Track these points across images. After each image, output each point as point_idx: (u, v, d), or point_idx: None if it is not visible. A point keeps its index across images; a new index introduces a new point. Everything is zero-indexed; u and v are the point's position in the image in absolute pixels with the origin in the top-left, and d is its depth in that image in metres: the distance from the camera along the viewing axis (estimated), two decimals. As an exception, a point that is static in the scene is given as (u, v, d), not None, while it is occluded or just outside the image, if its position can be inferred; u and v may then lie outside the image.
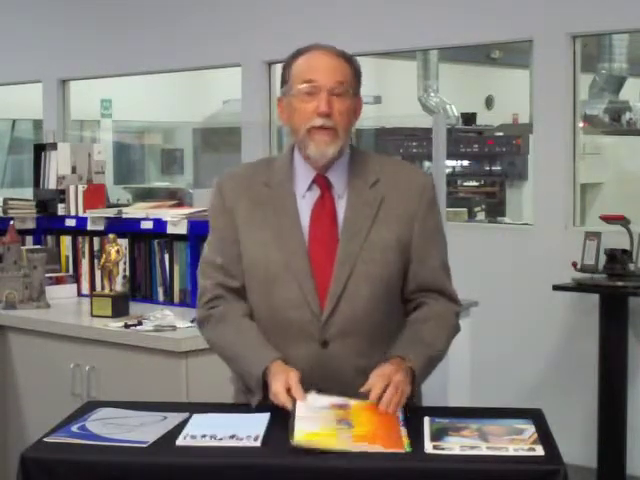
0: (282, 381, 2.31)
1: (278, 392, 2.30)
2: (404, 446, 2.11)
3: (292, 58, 2.49)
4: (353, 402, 2.28)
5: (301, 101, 2.42)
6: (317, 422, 2.17)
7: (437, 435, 2.14)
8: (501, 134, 8.16)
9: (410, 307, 2.51)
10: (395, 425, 2.20)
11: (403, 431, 2.17)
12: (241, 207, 2.49)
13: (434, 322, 2.46)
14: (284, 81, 2.49)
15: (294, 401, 2.26)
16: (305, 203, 2.46)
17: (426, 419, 2.24)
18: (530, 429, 2.18)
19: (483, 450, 2.07)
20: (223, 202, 2.52)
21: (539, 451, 2.07)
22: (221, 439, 2.14)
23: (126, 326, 3.72)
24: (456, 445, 2.09)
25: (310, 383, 2.38)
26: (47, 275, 4.32)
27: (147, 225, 4.25)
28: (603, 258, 5.08)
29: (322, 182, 2.46)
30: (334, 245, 2.42)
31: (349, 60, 2.47)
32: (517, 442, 2.11)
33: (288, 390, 2.29)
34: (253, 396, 2.40)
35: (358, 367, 2.39)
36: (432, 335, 2.43)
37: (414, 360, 2.35)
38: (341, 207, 2.45)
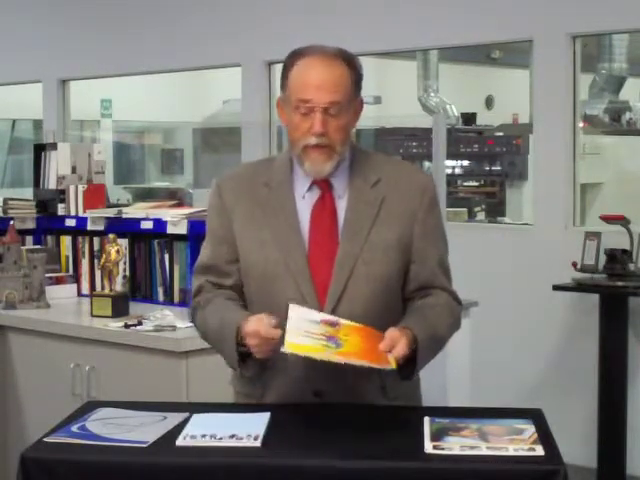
0: (254, 321, 2.28)
1: (253, 328, 2.27)
2: (390, 363, 2.18)
3: (290, 60, 2.42)
4: (343, 321, 2.29)
5: (297, 116, 2.38)
6: (307, 338, 2.19)
7: (437, 435, 2.14)
8: (501, 134, 8.17)
9: (411, 303, 2.49)
10: (382, 351, 2.22)
11: (389, 355, 2.21)
12: (240, 207, 2.47)
13: (440, 309, 2.45)
14: (283, 84, 2.44)
15: (287, 308, 2.25)
16: (305, 203, 2.45)
17: (426, 419, 2.24)
18: (530, 429, 2.18)
19: (483, 450, 2.07)
20: (221, 203, 2.50)
21: (539, 451, 2.07)
22: (221, 439, 2.14)
23: (126, 326, 3.72)
24: (456, 445, 2.09)
25: (309, 385, 2.37)
26: (47, 275, 4.32)
27: (147, 225, 4.25)
28: (603, 258, 5.08)
29: (322, 183, 2.45)
30: (334, 245, 2.41)
31: (348, 62, 2.41)
32: (517, 442, 2.11)
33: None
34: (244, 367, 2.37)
35: (358, 368, 2.38)
36: (437, 319, 2.41)
37: (418, 333, 2.30)
38: (341, 207, 2.43)
